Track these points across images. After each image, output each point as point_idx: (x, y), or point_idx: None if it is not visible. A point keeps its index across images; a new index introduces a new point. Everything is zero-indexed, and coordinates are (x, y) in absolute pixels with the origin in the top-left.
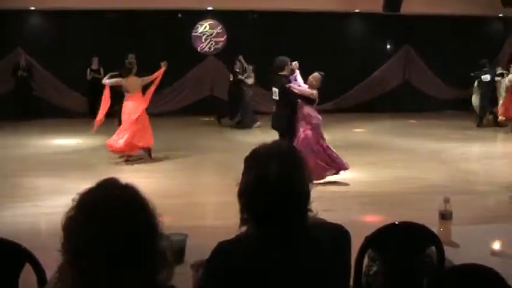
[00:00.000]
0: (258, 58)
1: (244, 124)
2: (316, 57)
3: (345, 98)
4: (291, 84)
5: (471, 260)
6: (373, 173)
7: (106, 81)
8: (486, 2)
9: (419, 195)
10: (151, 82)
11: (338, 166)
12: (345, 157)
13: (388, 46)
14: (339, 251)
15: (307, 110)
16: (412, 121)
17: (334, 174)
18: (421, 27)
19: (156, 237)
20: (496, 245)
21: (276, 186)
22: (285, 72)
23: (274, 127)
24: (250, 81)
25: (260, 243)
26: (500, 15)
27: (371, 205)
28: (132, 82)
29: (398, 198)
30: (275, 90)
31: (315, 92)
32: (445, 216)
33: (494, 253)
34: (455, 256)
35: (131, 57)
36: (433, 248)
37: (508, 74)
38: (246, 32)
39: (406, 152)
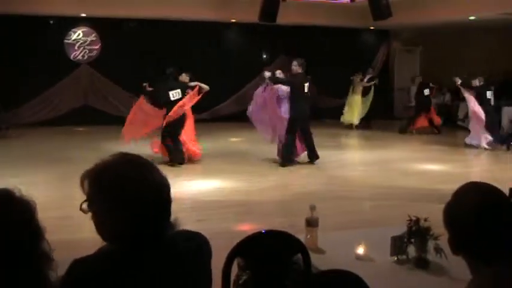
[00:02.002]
0: (136, 66)
1: None
2: (194, 66)
3: (222, 107)
4: None
5: (337, 266)
6: (249, 182)
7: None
8: (359, 14)
9: (295, 202)
10: None
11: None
12: (220, 166)
13: (264, 56)
14: (199, 260)
15: None
16: None
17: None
18: (297, 38)
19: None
20: (361, 250)
21: (155, 197)
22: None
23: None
24: None
25: (120, 258)
26: (372, 27)
27: (247, 214)
28: None
29: (274, 206)
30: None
31: None
32: (311, 223)
33: (358, 257)
34: (321, 262)
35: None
36: (300, 255)
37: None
38: (122, 40)
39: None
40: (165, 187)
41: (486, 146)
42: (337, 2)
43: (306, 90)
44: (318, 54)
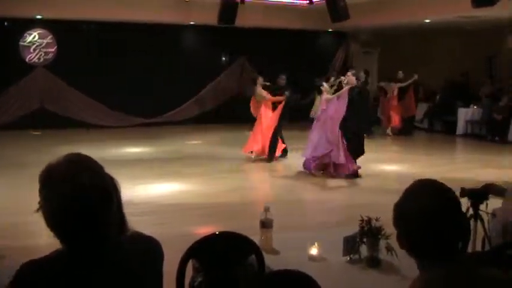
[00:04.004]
0: (93, 69)
1: None
2: (153, 69)
3: (181, 110)
4: None
5: (290, 266)
6: (206, 185)
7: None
8: (317, 17)
9: (253, 204)
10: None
11: None
12: (178, 169)
13: (224, 58)
14: (149, 264)
15: None
16: (248, 132)
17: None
18: (256, 40)
19: None
20: (314, 250)
21: (94, 198)
22: None
23: None
24: None
25: (69, 261)
26: (330, 30)
27: (206, 217)
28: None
29: (233, 208)
30: None
31: None
32: (265, 224)
33: (311, 258)
34: (275, 263)
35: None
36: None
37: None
38: (79, 42)
39: (240, 163)
40: (100, 190)
41: None
42: (296, 4)
43: None
44: (277, 56)
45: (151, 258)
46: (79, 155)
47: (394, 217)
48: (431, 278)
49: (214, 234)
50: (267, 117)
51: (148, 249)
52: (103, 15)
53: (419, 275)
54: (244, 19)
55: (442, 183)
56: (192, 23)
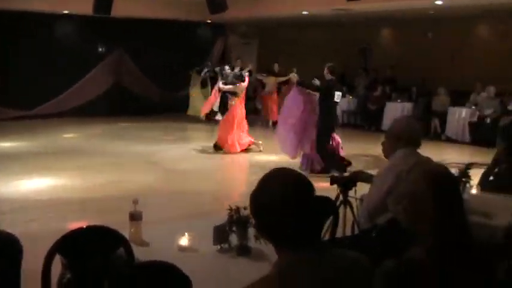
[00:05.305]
0: None
1: None
2: (25, 59)
3: (56, 103)
4: None
5: (160, 258)
6: (82, 179)
7: None
8: (195, 8)
9: (128, 198)
10: None
11: None
12: (53, 163)
13: (100, 49)
14: (9, 260)
15: None
16: (125, 124)
17: None
18: (133, 30)
19: None
20: (184, 241)
21: None
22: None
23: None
24: None
25: None
26: (209, 21)
27: (80, 212)
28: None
29: (108, 203)
30: (339, 93)
31: None
32: (134, 216)
33: (181, 248)
34: (145, 255)
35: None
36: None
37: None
38: None
39: (117, 156)
40: None
41: None
42: None
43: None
44: (155, 48)
45: (9, 254)
46: None
47: (251, 206)
48: (287, 263)
49: (80, 228)
50: (239, 113)
51: (8, 246)
52: None
53: (276, 261)
54: (121, 9)
55: (294, 171)
56: (66, 12)
